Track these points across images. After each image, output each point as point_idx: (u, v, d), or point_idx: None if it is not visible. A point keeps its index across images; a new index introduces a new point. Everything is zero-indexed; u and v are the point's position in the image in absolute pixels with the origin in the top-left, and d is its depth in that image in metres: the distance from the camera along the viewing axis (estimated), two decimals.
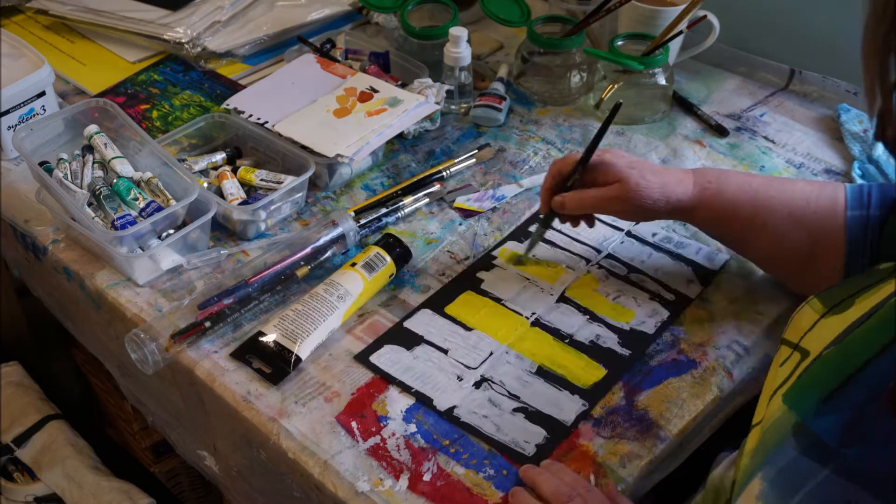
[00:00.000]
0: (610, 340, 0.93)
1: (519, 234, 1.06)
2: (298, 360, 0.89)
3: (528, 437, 0.83)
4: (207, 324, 0.92)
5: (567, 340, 0.93)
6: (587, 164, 0.94)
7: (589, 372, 0.90)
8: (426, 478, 0.80)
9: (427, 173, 1.14)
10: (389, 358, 0.91)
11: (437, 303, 0.97)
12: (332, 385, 0.89)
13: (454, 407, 0.86)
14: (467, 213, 1.10)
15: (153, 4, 1.39)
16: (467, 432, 0.84)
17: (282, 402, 0.87)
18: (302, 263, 0.99)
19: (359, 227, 1.03)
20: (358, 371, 0.90)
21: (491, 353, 0.91)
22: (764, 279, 1.00)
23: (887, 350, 0.59)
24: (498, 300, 0.97)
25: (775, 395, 0.66)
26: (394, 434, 0.84)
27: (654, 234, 1.05)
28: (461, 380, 0.89)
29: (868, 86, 0.58)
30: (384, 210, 1.08)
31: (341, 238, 1.02)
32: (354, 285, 0.95)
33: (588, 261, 1.02)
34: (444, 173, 1.14)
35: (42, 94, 1.18)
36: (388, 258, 0.98)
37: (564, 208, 0.95)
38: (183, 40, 1.33)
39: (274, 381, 0.89)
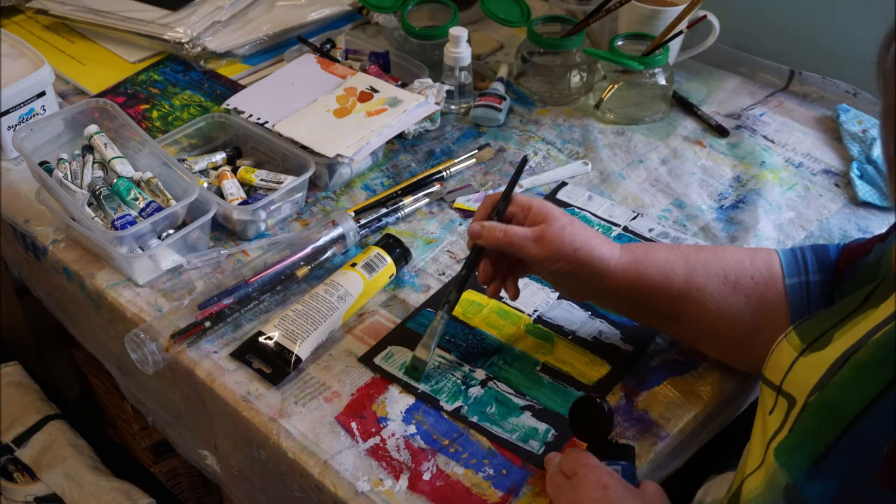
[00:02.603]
0: (613, 336, 0.93)
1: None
2: (298, 360, 0.89)
3: (536, 434, 0.84)
4: (207, 324, 0.92)
5: (570, 337, 0.93)
6: (510, 196, 0.87)
7: (593, 368, 0.90)
8: (426, 478, 0.80)
9: (427, 173, 1.14)
10: (393, 359, 0.91)
11: (438, 303, 0.96)
12: (332, 385, 0.89)
13: (461, 407, 0.86)
14: (467, 214, 1.10)
15: (153, 4, 1.39)
16: (476, 432, 0.84)
17: (282, 402, 0.87)
18: (302, 263, 0.99)
19: (359, 227, 1.03)
20: (358, 371, 0.90)
21: (495, 352, 0.91)
22: None
23: (872, 408, 0.57)
24: (499, 298, 0.97)
25: (769, 447, 0.64)
26: (393, 434, 0.84)
27: (650, 230, 1.06)
28: (467, 379, 0.89)
29: (891, 166, 0.56)
30: (384, 210, 1.08)
31: (341, 238, 1.02)
32: (354, 285, 0.95)
33: None
34: (444, 173, 1.14)
35: (42, 94, 1.18)
36: (388, 258, 0.98)
37: (480, 238, 0.85)
38: (183, 40, 1.33)
39: (274, 381, 0.89)
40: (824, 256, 0.83)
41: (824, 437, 0.59)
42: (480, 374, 0.89)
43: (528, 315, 0.96)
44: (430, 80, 1.20)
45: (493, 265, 0.88)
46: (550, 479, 0.77)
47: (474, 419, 0.85)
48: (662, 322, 0.89)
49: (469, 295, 0.98)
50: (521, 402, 0.87)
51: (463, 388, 0.88)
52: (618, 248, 0.84)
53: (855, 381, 0.60)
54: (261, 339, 0.91)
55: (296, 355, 0.89)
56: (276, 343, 0.90)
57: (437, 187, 1.12)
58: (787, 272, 0.82)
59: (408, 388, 0.88)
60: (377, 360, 0.91)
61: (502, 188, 1.12)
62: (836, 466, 0.58)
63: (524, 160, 0.93)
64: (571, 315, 0.95)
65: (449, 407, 0.86)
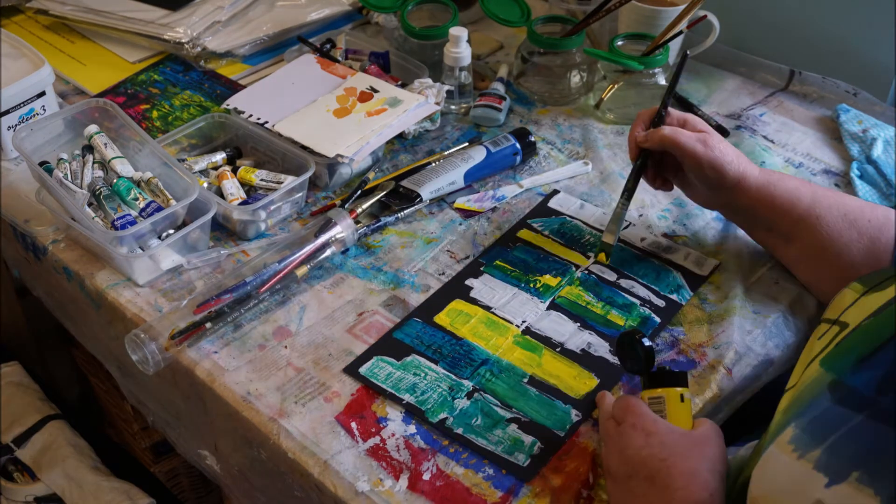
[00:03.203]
0: (602, 349, 0.92)
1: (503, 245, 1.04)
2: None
3: (522, 447, 0.83)
4: (208, 325, 0.92)
5: (559, 349, 0.92)
6: (668, 103, 1.00)
7: (581, 381, 0.89)
8: (426, 478, 0.80)
9: (418, 164, 1.14)
10: (379, 369, 0.90)
11: (426, 312, 0.96)
12: (333, 385, 0.89)
13: (445, 418, 0.85)
14: (468, 214, 1.10)
15: (153, 4, 1.39)
16: (460, 444, 0.83)
17: (282, 402, 0.87)
18: (301, 262, 0.99)
19: (357, 225, 1.04)
20: None
21: (482, 363, 0.91)
22: (763, 279, 1.00)
23: None
24: (487, 308, 0.96)
25: (813, 362, 0.69)
26: (393, 434, 0.84)
27: (642, 239, 1.05)
28: (452, 390, 0.88)
29: None
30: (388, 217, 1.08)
31: (340, 237, 1.02)
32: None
33: (577, 266, 1.02)
34: (434, 164, 1.14)
35: (42, 94, 1.18)
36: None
37: (646, 142, 0.97)
38: (183, 40, 1.33)
39: None
40: None
41: (871, 343, 0.65)
42: (467, 385, 0.88)
43: (517, 326, 0.95)
44: (429, 80, 1.20)
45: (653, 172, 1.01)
46: (602, 423, 0.80)
47: (459, 431, 0.84)
48: (775, 240, 0.98)
49: (457, 305, 0.97)
50: (507, 414, 0.86)
51: (449, 399, 0.87)
52: (757, 168, 0.95)
53: None
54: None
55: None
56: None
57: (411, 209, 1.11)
58: None
59: (394, 399, 0.87)
60: (362, 370, 0.90)
61: (503, 188, 1.13)
62: (881, 361, 0.63)
63: (685, 56, 1.01)
64: (560, 327, 0.94)
65: (434, 419, 0.85)
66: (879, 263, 0.88)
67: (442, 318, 0.95)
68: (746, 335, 0.94)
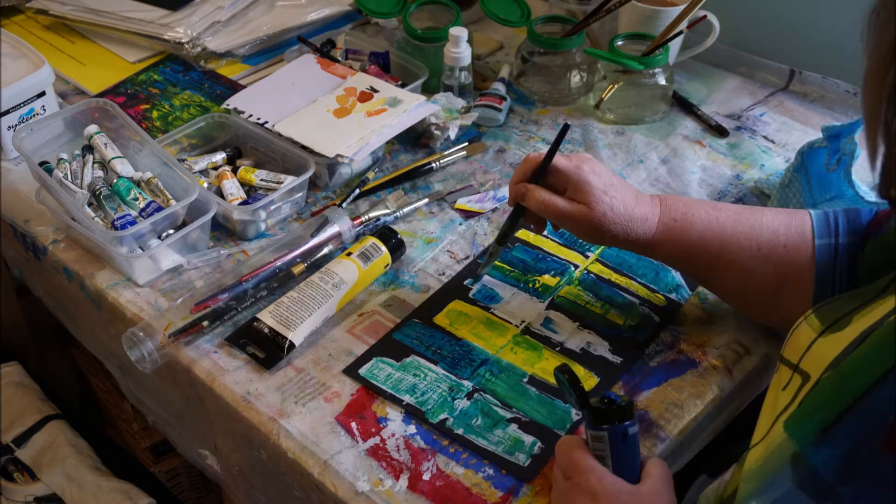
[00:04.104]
0: (601, 348, 0.92)
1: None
2: (292, 346, 0.90)
3: (523, 447, 0.83)
4: (206, 323, 0.92)
5: (558, 349, 0.92)
6: (549, 163, 0.89)
7: (583, 381, 0.89)
8: (426, 478, 0.80)
9: (417, 164, 1.14)
10: (379, 370, 0.90)
11: (425, 313, 0.95)
12: (332, 385, 0.89)
13: (446, 419, 0.85)
14: (469, 214, 1.10)
15: (153, 4, 1.39)
16: (460, 444, 0.83)
17: (282, 402, 0.87)
18: (298, 261, 0.99)
19: (354, 223, 1.03)
20: None
21: (482, 363, 0.91)
22: None
23: (885, 379, 0.58)
24: (486, 308, 0.96)
25: (777, 420, 0.65)
26: (393, 434, 0.84)
27: None
28: (452, 391, 0.88)
29: (871, 137, 0.57)
30: (385, 211, 1.08)
31: (338, 236, 1.02)
32: (349, 274, 0.95)
33: (576, 266, 1.02)
34: (434, 164, 1.14)
35: (42, 94, 1.18)
36: (384, 248, 0.98)
37: (524, 199, 0.90)
38: (183, 40, 1.33)
39: (267, 366, 0.89)
40: (855, 220, 0.84)
41: (833, 408, 0.60)
42: (467, 385, 0.88)
43: (516, 326, 0.94)
44: (459, 101, 1.20)
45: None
46: (553, 473, 0.76)
47: (459, 431, 0.84)
48: (692, 277, 0.96)
49: (456, 306, 0.96)
50: (507, 414, 0.86)
51: (449, 399, 0.87)
52: (655, 222, 0.88)
53: (869, 357, 0.61)
54: (255, 324, 0.92)
55: (290, 341, 0.90)
56: (271, 329, 0.91)
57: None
58: (817, 233, 0.84)
59: (393, 401, 0.87)
60: (362, 371, 0.90)
61: (503, 188, 1.13)
62: (843, 435, 0.59)
63: (566, 127, 0.92)
64: (559, 326, 0.94)
65: (434, 420, 0.85)
66: (801, 283, 0.83)
67: (441, 319, 0.95)
68: (747, 336, 0.94)
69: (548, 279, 1.00)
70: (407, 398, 0.87)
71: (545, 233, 1.05)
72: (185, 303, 0.94)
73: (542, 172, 0.89)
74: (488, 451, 0.82)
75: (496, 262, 1.01)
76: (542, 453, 0.82)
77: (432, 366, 0.90)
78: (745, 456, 0.68)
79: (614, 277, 1.00)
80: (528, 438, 0.83)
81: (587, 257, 1.02)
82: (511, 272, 1.01)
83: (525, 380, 0.89)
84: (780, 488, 0.61)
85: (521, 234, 1.06)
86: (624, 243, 0.88)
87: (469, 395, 0.87)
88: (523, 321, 0.95)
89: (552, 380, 0.88)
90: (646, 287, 0.99)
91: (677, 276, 1.00)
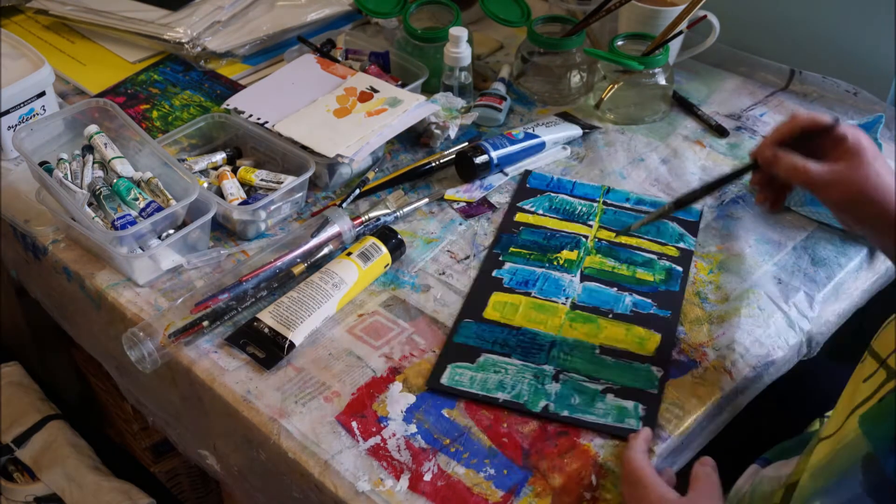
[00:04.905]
0: (647, 306, 0.96)
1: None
2: (292, 345, 0.90)
3: (628, 413, 0.85)
4: (206, 323, 0.92)
5: (610, 315, 0.95)
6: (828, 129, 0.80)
7: (648, 339, 0.92)
8: (427, 478, 0.80)
9: (416, 165, 1.14)
10: (460, 376, 0.89)
11: (473, 311, 0.96)
12: (332, 385, 0.89)
13: (547, 405, 0.86)
14: (468, 214, 1.10)
15: (153, 4, 1.39)
16: (571, 426, 0.84)
17: (282, 402, 0.87)
18: (298, 261, 0.99)
19: (354, 223, 1.03)
20: (358, 371, 0.90)
21: (551, 346, 0.92)
22: (762, 278, 1.00)
23: None
24: (527, 294, 0.98)
25: (853, 413, 0.64)
26: (394, 434, 0.84)
27: (627, 199, 1.09)
28: (538, 378, 0.88)
29: None
30: (385, 211, 1.08)
31: (338, 236, 1.02)
32: (349, 274, 0.95)
33: (585, 237, 1.04)
34: (434, 163, 1.14)
35: (42, 94, 1.18)
36: (384, 248, 0.98)
37: (772, 165, 0.81)
38: (183, 40, 1.33)
39: (267, 365, 0.90)
40: None
41: None
42: (549, 369, 0.89)
43: (562, 304, 0.96)
44: (459, 101, 1.21)
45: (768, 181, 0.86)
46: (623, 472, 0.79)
47: (565, 413, 0.85)
48: None
49: (499, 297, 0.97)
50: (598, 386, 0.87)
51: (541, 386, 0.87)
52: None
53: None
54: (255, 324, 0.93)
55: (290, 341, 0.90)
56: (271, 329, 0.91)
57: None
58: None
59: (488, 402, 0.86)
60: (445, 381, 0.88)
61: (488, 178, 1.12)
62: None
63: (832, 125, 0.80)
64: (600, 294, 0.97)
65: (536, 409, 0.85)
66: None
67: (491, 313, 0.96)
68: (747, 335, 0.94)
69: (567, 254, 1.02)
70: (501, 395, 0.87)
71: (541, 211, 1.08)
72: (185, 303, 0.94)
73: (817, 133, 0.80)
74: (601, 424, 0.84)
75: (512, 249, 1.03)
76: (647, 414, 0.85)
77: (507, 359, 0.91)
78: (812, 447, 0.67)
79: (623, 239, 1.03)
80: (628, 404, 0.86)
81: (590, 226, 1.05)
82: (530, 255, 1.02)
83: (598, 351, 0.91)
84: (848, 492, 0.60)
85: (519, 217, 1.08)
86: (874, 218, 0.78)
87: (555, 378, 0.88)
88: (567, 297, 0.97)
89: (622, 345, 0.92)
90: (655, 242, 1.03)
91: (676, 227, 1.04)
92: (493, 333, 0.93)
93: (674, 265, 1.00)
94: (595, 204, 1.09)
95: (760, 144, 0.84)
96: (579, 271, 1.00)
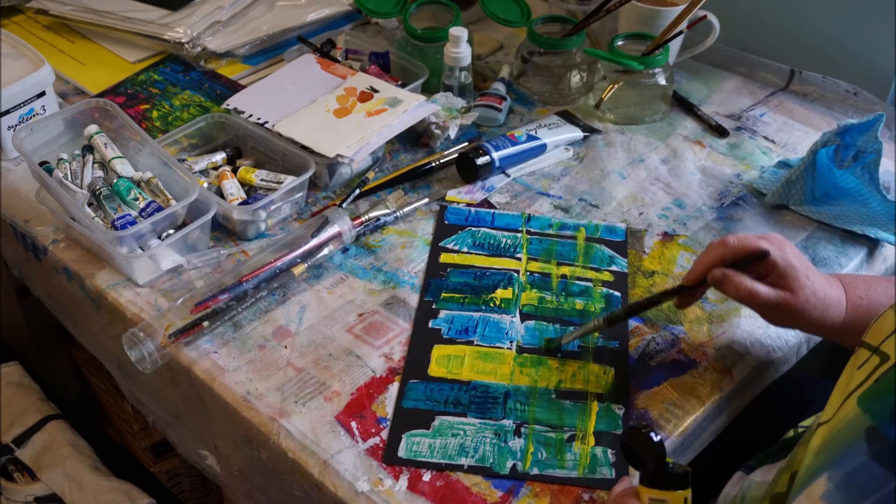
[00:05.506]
0: (594, 339, 0.93)
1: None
2: None
3: (598, 461, 0.81)
4: (206, 323, 0.92)
5: (559, 354, 0.91)
6: (757, 256, 0.83)
7: (600, 376, 0.89)
8: (426, 478, 0.80)
9: (415, 165, 1.14)
10: (417, 446, 0.83)
11: (417, 371, 0.90)
12: (332, 385, 0.89)
13: (515, 465, 0.81)
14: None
15: (153, 4, 1.39)
16: (542, 483, 0.80)
17: (282, 401, 0.87)
18: (298, 261, 0.99)
19: (354, 223, 1.03)
20: (358, 371, 0.90)
21: (505, 397, 0.87)
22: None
23: None
24: (469, 342, 0.92)
25: (850, 397, 0.65)
26: None
27: (549, 226, 1.07)
28: (499, 435, 0.84)
29: None
30: (385, 211, 1.08)
31: (338, 236, 1.02)
32: None
33: (516, 271, 1.00)
34: (434, 163, 1.14)
35: (42, 94, 1.18)
36: None
37: (720, 285, 0.84)
38: (183, 40, 1.33)
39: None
40: None
41: None
42: (508, 424, 0.84)
43: (508, 349, 0.92)
44: (459, 101, 1.21)
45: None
46: None
47: (535, 471, 0.80)
48: None
49: (441, 350, 0.92)
50: (562, 434, 0.83)
51: (503, 444, 0.83)
52: (844, 306, 0.85)
53: None
54: None
55: None
56: None
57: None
58: None
59: (453, 469, 0.81)
60: (402, 454, 0.82)
61: (490, 179, 1.12)
62: None
63: (765, 254, 0.84)
64: (545, 332, 0.93)
65: (504, 471, 0.81)
66: None
67: (437, 370, 0.90)
68: (747, 336, 0.94)
69: (502, 292, 0.98)
70: (465, 461, 0.82)
71: (465, 248, 1.03)
72: (185, 303, 0.94)
73: (749, 261, 0.83)
74: (573, 479, 0.80)
75: (443, 294, 0.98)
76: (617, 460, 0.81)
77: (463, 419, 0.85)
78: (810, 435, 0.68)
79: (555, 270, 1.00)
80: (597, 451, 0.82)
81: (519, 259, 1.02)
82: (464, 298, 0.97)
83: (554, 396, 0.87)
84: (854, 461, 0.61)
85: (444, 258, 1.02)
86: (818, 327, 0.85)
87: (517, 433, 0.84)
88: (511, 341, 0.93)
89: (577, 385, 0.88)
90: (588, 269, 1.00)
91: (605, 249, 1.02)
92: (442, 392, 0.87)
93: (611, 290, 0.97)
94: (519, 235, 1.05)
95: (693, 266, 0.87)
96: (517, 310, 0.95)
